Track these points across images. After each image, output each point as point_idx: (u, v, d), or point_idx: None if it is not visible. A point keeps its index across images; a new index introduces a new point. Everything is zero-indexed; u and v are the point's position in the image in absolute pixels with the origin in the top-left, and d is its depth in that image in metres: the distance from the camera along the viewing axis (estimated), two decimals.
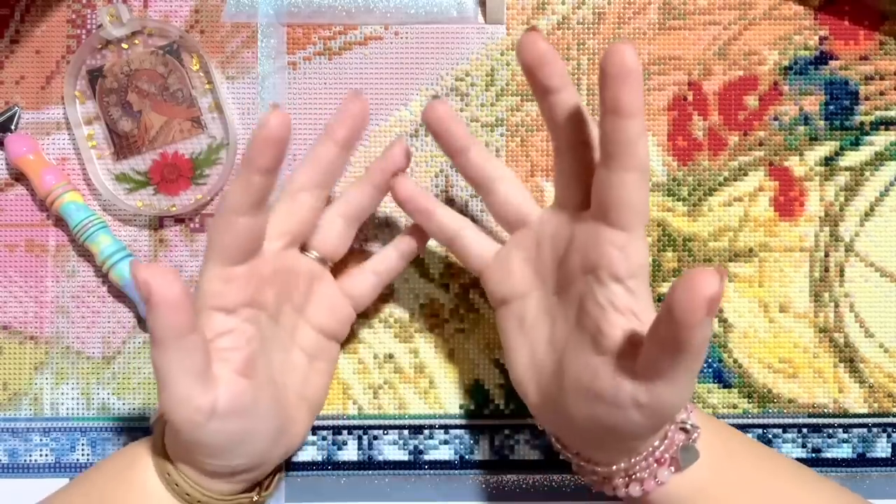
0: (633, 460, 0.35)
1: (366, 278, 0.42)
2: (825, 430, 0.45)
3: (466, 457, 0.45)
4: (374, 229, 0.45)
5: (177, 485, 0.36)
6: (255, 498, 0.40)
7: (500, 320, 0.39)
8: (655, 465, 0.35)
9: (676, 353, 0.29)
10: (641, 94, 0.31)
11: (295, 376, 0.40)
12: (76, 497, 0.37)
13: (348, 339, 0.45)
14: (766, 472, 0.37)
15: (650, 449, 0.35)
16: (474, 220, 0.45)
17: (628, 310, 0.33)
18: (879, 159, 0.45)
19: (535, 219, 0.38)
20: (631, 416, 0.32)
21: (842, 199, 0.45)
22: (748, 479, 0.36)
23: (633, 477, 0.35)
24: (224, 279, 0.35)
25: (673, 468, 0.35)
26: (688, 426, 0.35)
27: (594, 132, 0.35)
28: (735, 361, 0.45)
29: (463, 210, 0.45)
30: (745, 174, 0.45)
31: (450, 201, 0.45)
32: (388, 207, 0.45)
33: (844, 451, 0.45)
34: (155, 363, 0.33)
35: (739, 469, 0.36)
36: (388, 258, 0.42)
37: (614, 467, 0.36)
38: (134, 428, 0.45)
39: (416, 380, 0.45)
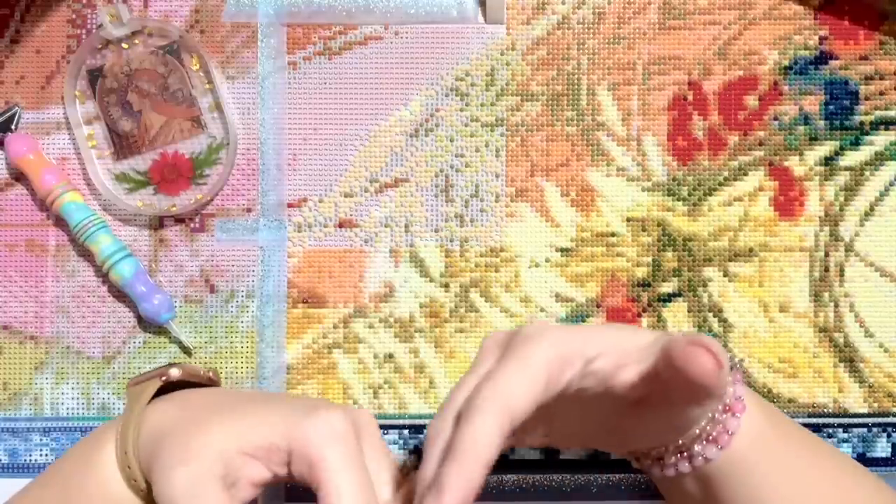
0: (704, 422, 0.35)
1: None
2: (825, 430, 0.45)
3: None
4: (375, 228, 0.45)
5: (134, 480, 0.35)
6: None
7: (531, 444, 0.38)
8: (723, 414, 0.35)
9: (710, 396, 0.32)
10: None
11: None
12: (43, 488, 0.37)
13: (348, 339, 0.45)
14: (809, 451, 0.37)
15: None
16: (472, 221, 0.45)
17: (620, 364, 0.32)
18: (879, 159, 0.45)
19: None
20: (708, 409, 0.34)
21: (842, 199, 0.45)
22: (793, 455, 0.36)
23: (709, 439, 0.35)
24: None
25: (738, 413, 0.35)
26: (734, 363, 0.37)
27: None
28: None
29: (463, 210, 0.45)
30: (745, 174, 0.45)
31: (450, 201, 0.45)
32: (387, 207, 0.45)
33: (844, 451, 0.45)
34: None
35: (784, 444, 0.36)
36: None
37: (690, 435, 0.35)
38: None
39: (416, 380, 0.45)
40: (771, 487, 0.35)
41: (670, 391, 0.32)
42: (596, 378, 0.32)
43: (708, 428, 0.35)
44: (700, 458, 0.35)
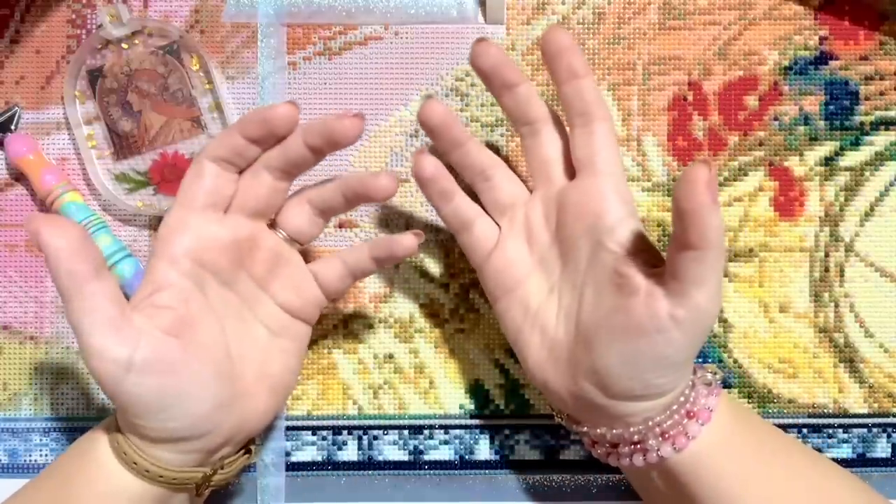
0: (658, 418, 0.36)
1: (333, 264, 0.41)
2: (825, 431, 0.45)
3: (466, 457, 0.45)
4: (375, 228, 0.45)
5: (125, 453, 0.35)
6: (209, 472, 0.38)
7: (503, 312, 0.40)
8: (686, 419, 0.36)
9: (698, 248, 0.31)
10: (584, 59, 0.37)
11: (254, 350, 0.39)
12: (42, 479, 0.37)
13: (348, 340, 0.45)
14: (785, 457, 0.37)
15: (677, 405, 0.36)
16: None
17: (636, 244, 0.35)
18: (879, 159, 0.45)
19: (524, 203, 0.40)
20: (673, 337, 0.33)
21: (842, 199, 0.45)
22: (765, 462, 0.37)
23: (665, 436, 0.36)
24: (179, 222, 0.37)
25: (702, 421, 0.35)
26: (708, 376, 0.37)
27: (550, 110, 0.39)
28: (735, 361, 0.45)
29: None
30: (745, 174, 0.45)
31: None
32: (387, 207, 0.45)
33: (844, 451, 0.45)
34: (68, 318, 0.34)
35: (756, 451, 0.37)
36: (359, 252, 0.40)
37: (640, 427, 0.36)
38: None
39: (416, 380, 0.45)
40: (738, 493, 0.36)
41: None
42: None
43: (666, 424, 0.36)
44: (654, 454, 0.36)
